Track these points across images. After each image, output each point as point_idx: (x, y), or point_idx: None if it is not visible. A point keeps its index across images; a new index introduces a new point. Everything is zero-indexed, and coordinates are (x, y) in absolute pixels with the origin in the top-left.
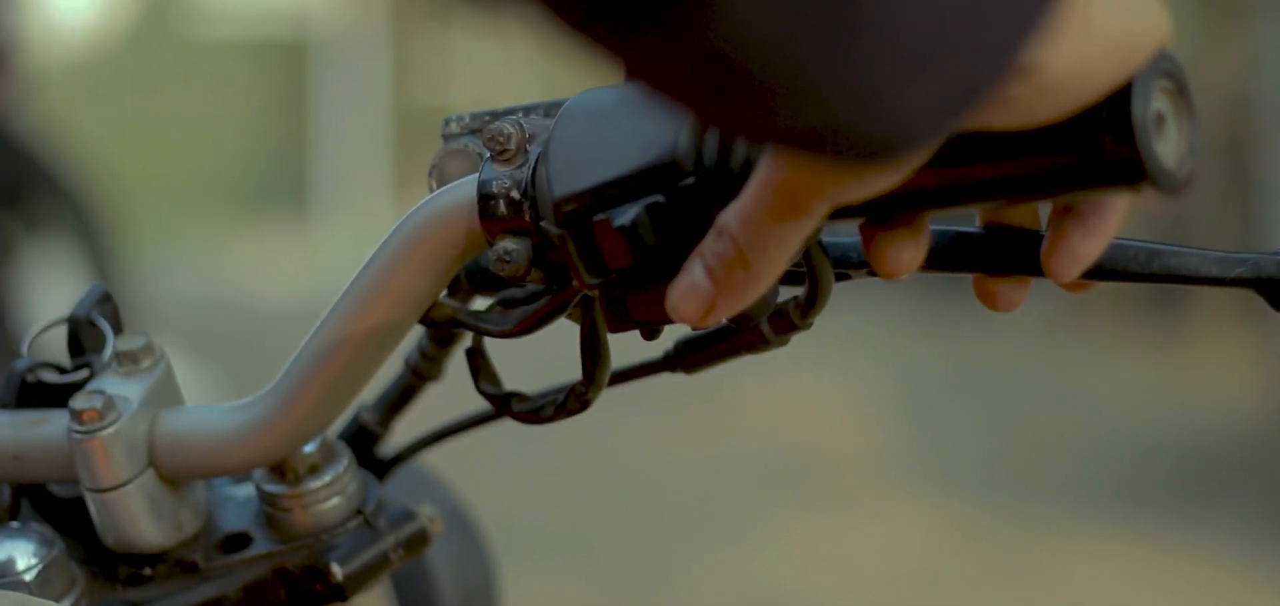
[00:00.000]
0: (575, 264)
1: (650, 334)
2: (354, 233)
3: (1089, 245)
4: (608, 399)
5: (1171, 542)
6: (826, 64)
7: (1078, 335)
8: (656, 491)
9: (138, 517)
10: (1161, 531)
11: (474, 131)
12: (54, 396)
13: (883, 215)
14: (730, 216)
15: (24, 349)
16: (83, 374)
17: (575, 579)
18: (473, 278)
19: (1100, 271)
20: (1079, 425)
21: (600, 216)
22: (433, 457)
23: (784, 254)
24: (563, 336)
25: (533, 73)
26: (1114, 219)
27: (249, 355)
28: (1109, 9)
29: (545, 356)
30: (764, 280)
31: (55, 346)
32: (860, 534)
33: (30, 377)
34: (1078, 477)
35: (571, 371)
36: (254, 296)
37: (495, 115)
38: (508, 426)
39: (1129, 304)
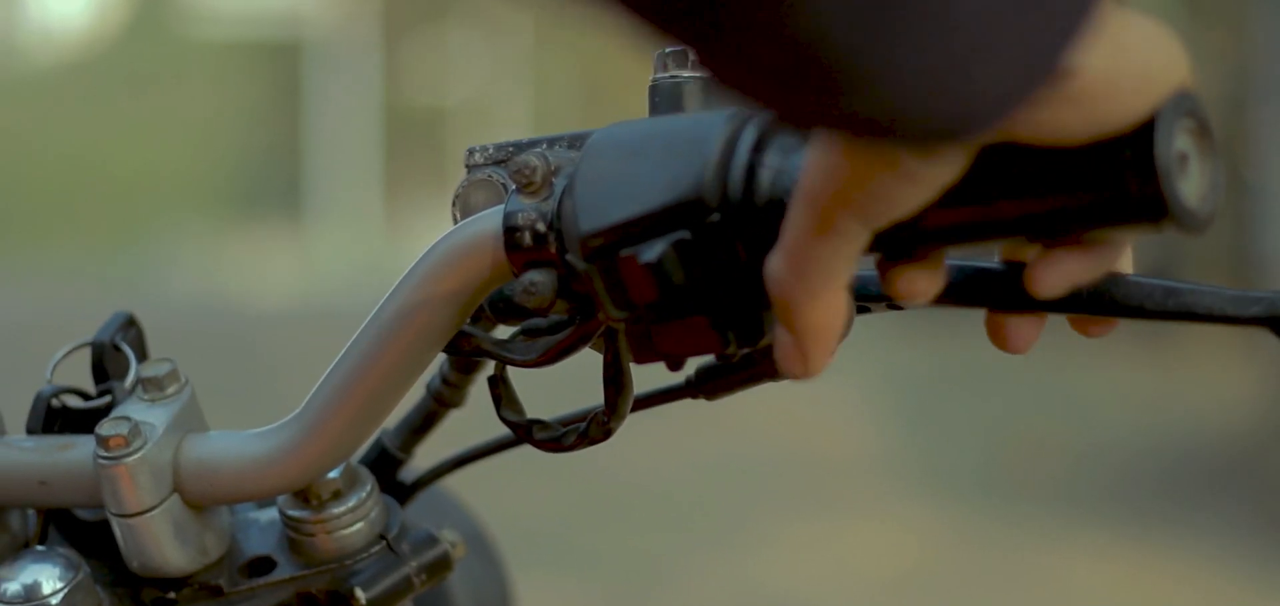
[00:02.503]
0: (601, 298)
1: (675, 366)
2: (347, 232)
3: (1078, 268)
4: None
5: (1163, 545)
6: (899, 49)
7: (1070, 339)
8: (650, 494)
9: (163, 542)
10: (1154, 534)
11: (498, 162)
12: (79, 421)
13: (903, 251)
14: (773, 260)
15: (48, 373)
16: (107, 400)
17: (569, 582)
18: (496, 306)
19: (1117, 308)
20: (1072, 428)
21: (627, 251)
22: (452, 479)
23: (827, 277)
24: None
25: (524, 73)
26: (1111, 253)
27: (240, 355)
28: (1137, 38)
29: (560, 373)
30: (817, 308)
31: (75, 370)
32: (855, 537)
33: (55, 403)
34: (1071, 480)
35: (579, 384)
36: (247, 296)
37: (519, 146)
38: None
39: None
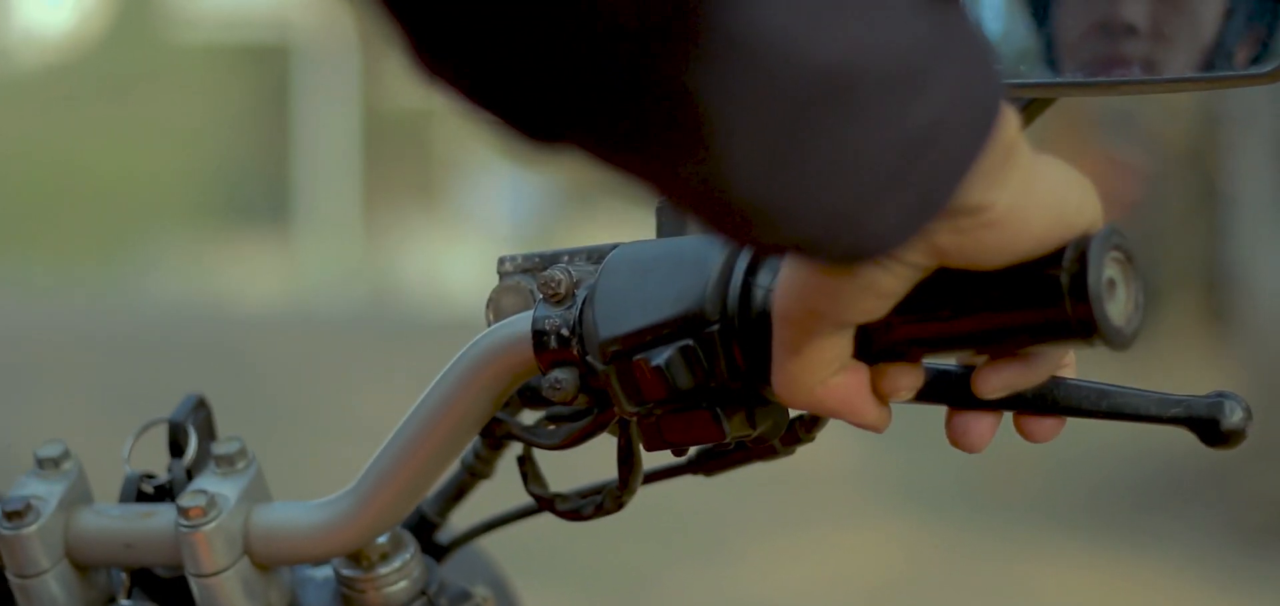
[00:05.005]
0: (617, 394)
1: (680, 452)
2: (332, 236)
3: (1016, 376)
4: None
5: (1137, 555)
6: (803, 195)
7: None
8: (634, 507)
9: (234, 599)
10: (1128, 544)
11: (526, 271)
12: (156, 491)
13: (882, 356)
14: (773, 377)
15: (127, 448)
16: (181, 475)
17: (555, 594)
18: (523, 395)
19: (1058, 407)
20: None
21: (639, 356)
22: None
23: (819, 375)
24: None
25: None
26: (1046, 363)
27: (227, 358)
28: (1048, 181)
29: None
30: (826, 396)
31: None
32: (834, 548)
33: (145, 487)
34: (1048, 492)
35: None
36: (231, 300)
37: (545, 259)
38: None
39: None
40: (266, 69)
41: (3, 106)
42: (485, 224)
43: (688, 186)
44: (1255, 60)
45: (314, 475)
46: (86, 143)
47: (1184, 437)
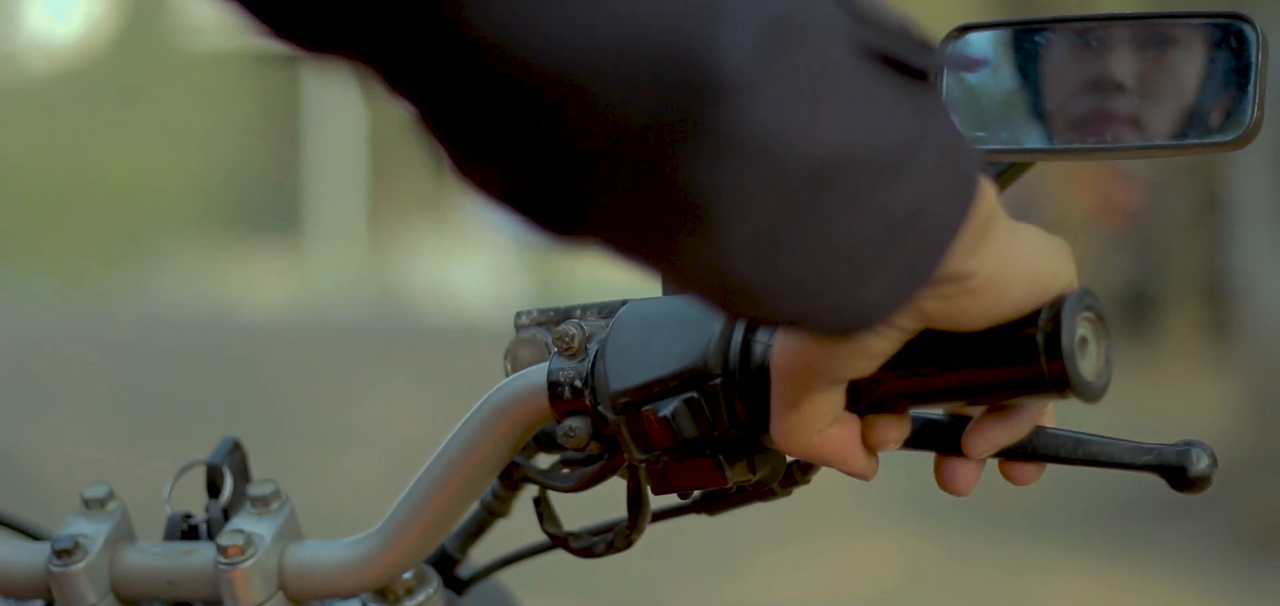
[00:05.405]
0: (626, 442)
1: (685, 495)
2: (340, 244)
3: (1001, 434)
4: None
5: (1137, 565)
6: (794, 277)
7: None
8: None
9: None
10: (1128, 554)
11: (541, 324)
12: (193, 531)
13: (872, 408)
14: (772, 427)
15: (167, 489)
16: (218, 515)
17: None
18: (539, 440)
19: (1038, 455)
20: None
21: (647, 407)
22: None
23: (815, 426)
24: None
25: None
26: (1028, 419)
27: (234, 365)
28: (1027, 249)
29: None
30: (822, 446)
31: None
32: (837, 559)
33: (185, 525)
34: (1047, 502)
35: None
36: (240, 307)
37: (559, 313)
38: None
39: None
40: (275, 76)
41: (13, 113)
42: (491, 232)
43: (692, 270)
44: (1224, 127)
45: (319, 479)
46: (95, 149)
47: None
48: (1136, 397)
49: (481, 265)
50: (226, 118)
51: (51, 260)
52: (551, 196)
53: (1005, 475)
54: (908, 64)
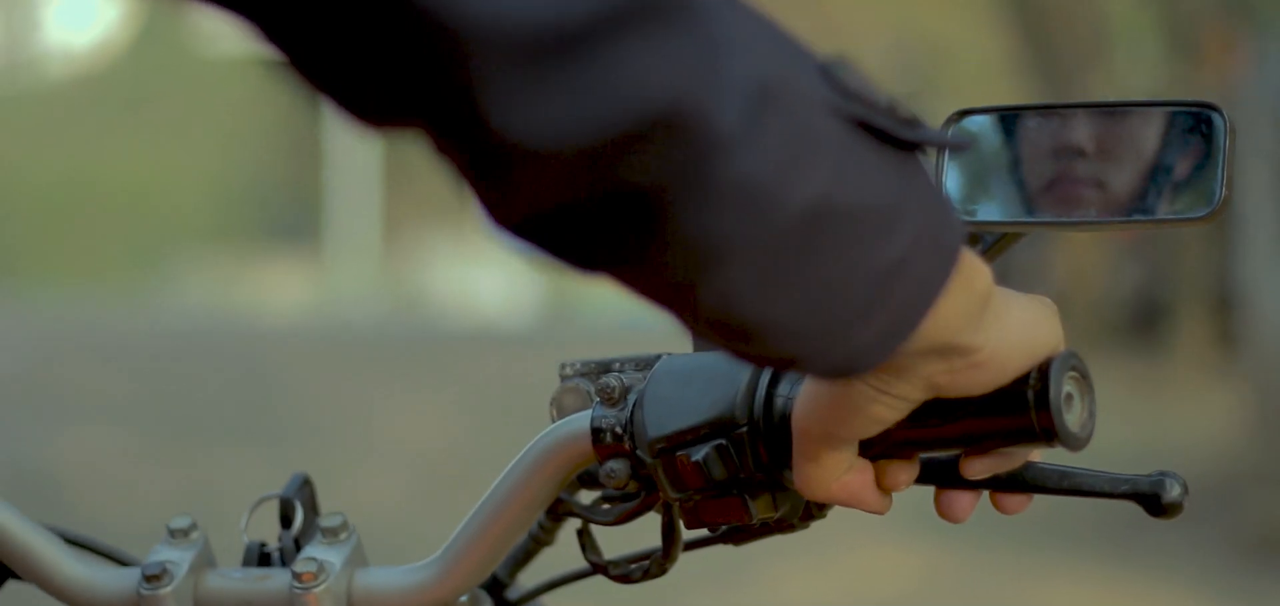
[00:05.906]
0: (662, 483)
1: (714, 529)
2: (359, 251)
3: (996, 463)
4: None
5: (1146, 574)
6: (793, 318)
7: None
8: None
9: None
10: (1136, 563)
11: (583, 374)
12: (267, 558)
13: (882, 455)
14: (794, 476)
15: (244, 521)
16: (290, 544)
17: None
18: (582, 478)
19: (1027, 486)
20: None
21: (681, 452)
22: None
23: (832, 475)
24: None
25: None
26: (1022, 454)
27: (254, 372)
28: (1022, 321)
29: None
30: (840, 490)
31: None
32: (839, 569)
33: (263, 550)
34: (1054, 513)
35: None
36: (259, 315)
37: (599, 365)
38: (490, 462)
39: (1109, 337)
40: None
41: (32, 120)
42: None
43: (702, 309)
44: (1195, 204)
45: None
46: (112, 157)
47: (1193, 464)
48: (1145, 406)
49: (497, 273)
50: (245, 125)
51: (71, 267)
52: (578, 245)
53: (996, 505)
54: (892, 135)
